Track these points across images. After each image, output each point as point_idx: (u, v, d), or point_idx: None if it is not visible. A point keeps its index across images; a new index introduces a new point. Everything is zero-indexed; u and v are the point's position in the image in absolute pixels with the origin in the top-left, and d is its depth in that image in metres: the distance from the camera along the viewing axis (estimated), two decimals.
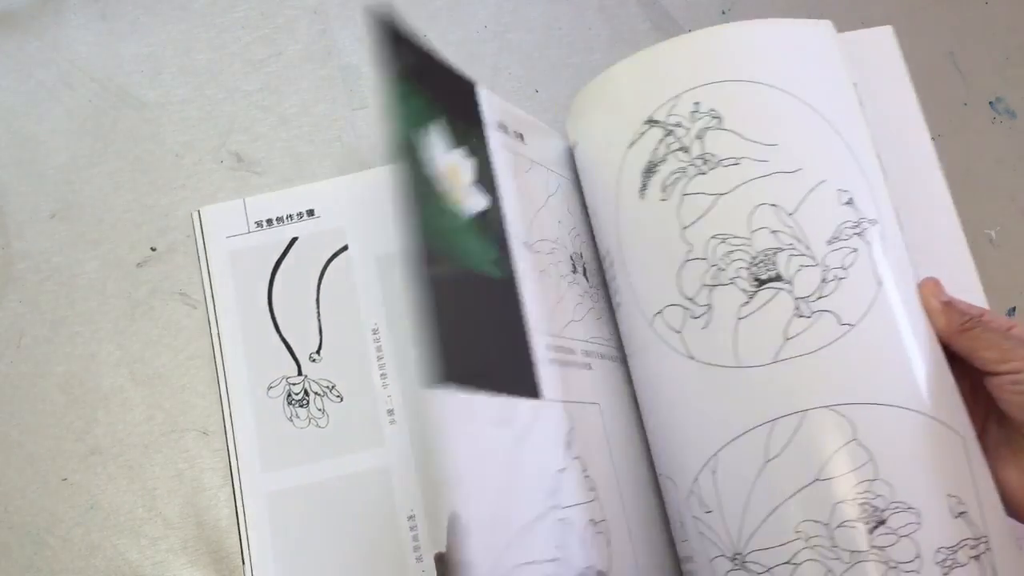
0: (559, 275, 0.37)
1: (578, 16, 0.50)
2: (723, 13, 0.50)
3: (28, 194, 0.46)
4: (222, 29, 0.49)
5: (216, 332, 0.42)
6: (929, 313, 0.33)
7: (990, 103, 0.50)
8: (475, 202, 0.34)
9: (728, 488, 0.32)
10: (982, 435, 0.33)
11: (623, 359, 0.39)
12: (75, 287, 0.44)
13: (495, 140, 0.36)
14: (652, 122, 0.35)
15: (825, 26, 0.36)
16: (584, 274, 0.39)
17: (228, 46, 0.48)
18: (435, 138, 0.33)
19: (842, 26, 0.50)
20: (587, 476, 0.34)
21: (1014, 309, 0.47)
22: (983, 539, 0.31)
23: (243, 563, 0.37)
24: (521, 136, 0.38)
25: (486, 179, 0.34)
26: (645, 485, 0.38)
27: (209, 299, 0.40)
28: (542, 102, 0.48)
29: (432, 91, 0.33)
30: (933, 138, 0.43)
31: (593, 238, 0.41)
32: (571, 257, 0.38)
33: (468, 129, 0.34)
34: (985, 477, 0.32)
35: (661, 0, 0.51)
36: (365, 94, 0.48)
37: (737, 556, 0.32)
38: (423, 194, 0.31)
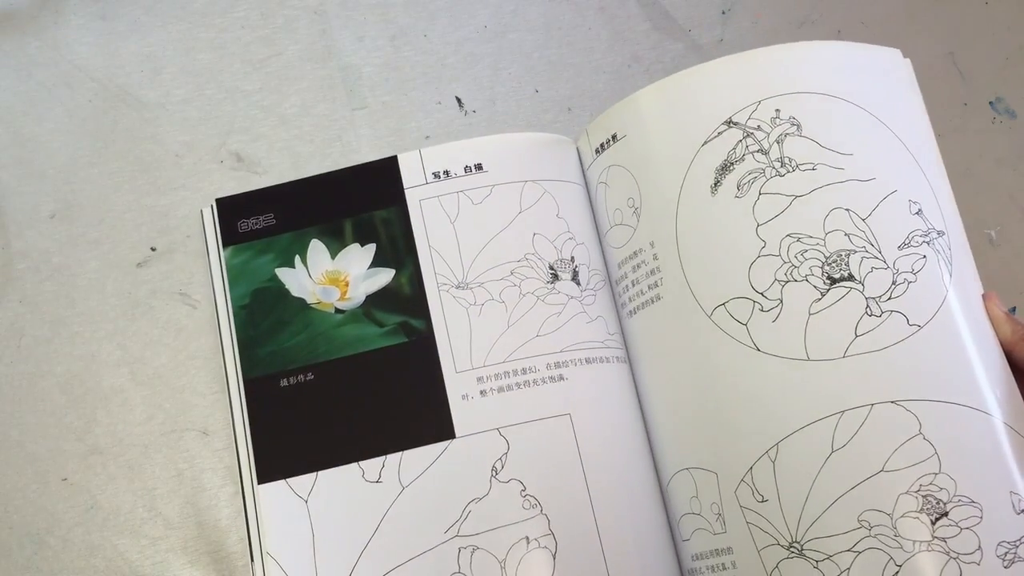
0: (520, 295, 0.38)
1: (578, 16, 0.50)
2: (723, 13, 0.50)
3: (28, 194, 0.46)
4: (222, 29, 0.49)
5: (229, 329, 0.41)
6: (994, 321, 0.35)
7: (990, 103, 0.50)
8: (368, 286, 0.39)
9: (789, 477, 0.34)
10: None
11: (622, 359, 0.39)
12: (75, 287, 0.44)
13: (423, 194, 0.40)
14: (731, 123, 0.37)
15: (895, 53, 0.39)
16: (574, 278, 0.39)
17: (228, 46, 0.49)
18: (310, 260, 0.40)
19: (843, 26, 0.50)
20: (526, 495, 0.36)
21: (1014, 309, 0.47)
22: None
23: (251, 561, 0.37)
24: (479, 166, 0.40)
25: (401, 245, 0.39)
26: (637, 486, 0.38)
27: (220, 296, 0.40)
28: (542, 102, 0.48)
29: (305, 219, 0.40)
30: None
31: (598, 239, 0.41)
32: (551, 267, 0.39)
33: (372, 212, 0.40)
34: None
35: (661, 0, 0.51)
36: (365, 94, 0.48)
37: (794, 544, 0.33)
38: (278, 322, 0.39)
